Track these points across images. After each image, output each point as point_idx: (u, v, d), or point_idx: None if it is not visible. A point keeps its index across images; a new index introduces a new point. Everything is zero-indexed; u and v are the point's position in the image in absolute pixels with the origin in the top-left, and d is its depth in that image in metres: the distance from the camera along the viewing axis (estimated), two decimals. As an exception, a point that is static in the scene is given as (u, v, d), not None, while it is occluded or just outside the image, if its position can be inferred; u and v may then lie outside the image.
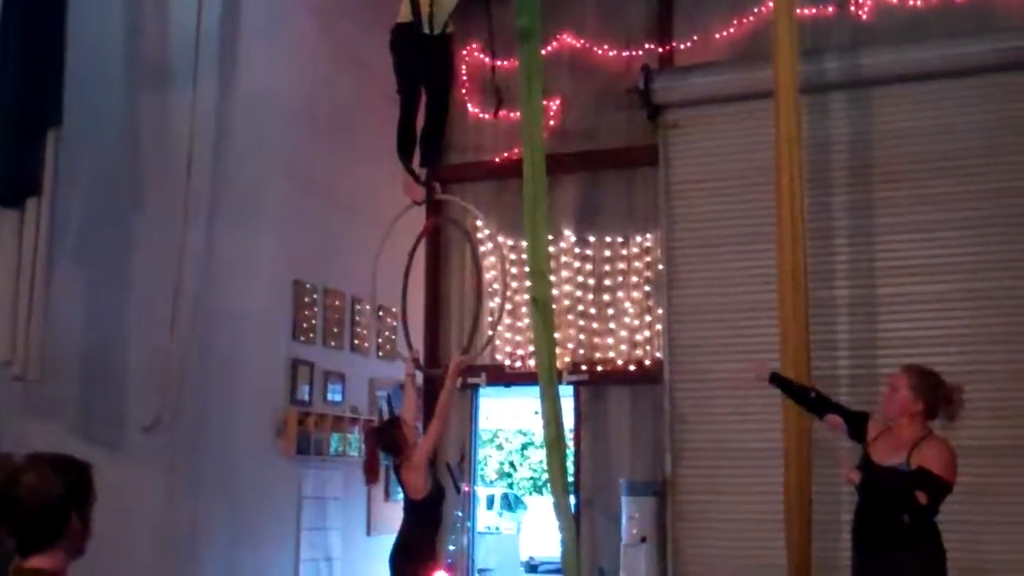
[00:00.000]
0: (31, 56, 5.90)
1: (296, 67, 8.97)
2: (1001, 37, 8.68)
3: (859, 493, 5.44)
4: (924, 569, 5.21)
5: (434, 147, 7.70)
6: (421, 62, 7.35)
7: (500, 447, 27.99)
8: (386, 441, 6.99)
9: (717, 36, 9.87)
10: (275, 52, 8.68)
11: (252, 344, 8.21)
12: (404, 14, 7.26)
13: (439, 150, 7.84)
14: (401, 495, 7.13)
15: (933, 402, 5.35)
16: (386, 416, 7.81)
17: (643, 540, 9.02)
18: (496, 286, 10.36)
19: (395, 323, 8.71)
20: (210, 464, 7.67)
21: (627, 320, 9.87)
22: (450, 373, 7.37)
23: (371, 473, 7.11)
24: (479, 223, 9.70)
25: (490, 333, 8.90)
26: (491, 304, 10.39)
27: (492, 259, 10.41)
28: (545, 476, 8.10)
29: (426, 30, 7.21)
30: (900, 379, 5.45)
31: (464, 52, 10.59)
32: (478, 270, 9.09)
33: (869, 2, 9.39)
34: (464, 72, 10.65)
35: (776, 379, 6.31)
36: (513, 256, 10.29)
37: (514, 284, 10.29)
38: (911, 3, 9.24)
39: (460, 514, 10.11)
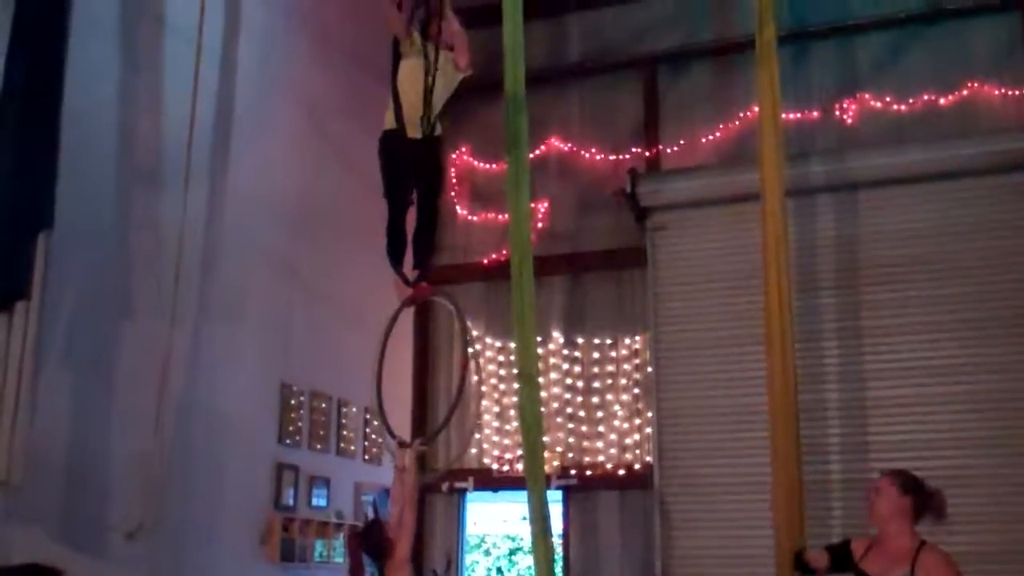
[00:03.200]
0: (24, 159, 5.90)
1: (288, 168, 9.01)
2: (984, 141, 8.80)
3: None
4: None
5: (426, 249, 7.69)
6: (408, 166, 7.38)
7: (487, 552, 27.61)
8: (371, 545, 6.89)
9: (703, 140, 10.01)
10: (267, 153, 8.72)
11: (237, 448, 8.10)
12: (389, 121, 7.32)
13: (432, 251, 7.83)
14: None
15: (919, 500, 5.33)
16: (370, 519, 7.69)
17: (634, 649, 8.86)
18: (484, 388, 10.31)
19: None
20: (193, 570, 7.51)
21: (616, 423, 9.81)
22: (409, 462, 7.26)
23: None
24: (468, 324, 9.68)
25: (475, 435, 8.79)
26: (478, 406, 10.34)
27: (479, 361, 10.38)
28: (533, 582, 7.94)
29: (414, 134, 7.26)
30: (883, 481, 5.44)
31: (453, 155, 10.69)
32: (464, 351, 8.90)
33: (854, 106, 9.57)
34: (453, 174, 10.74)
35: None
36: (501, 358, 10.27)
37: (502, 387, 10.25)
38: (895, 107, 9.41)
39: (448, 620, 9.93)
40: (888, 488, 5.37)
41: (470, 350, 8.66)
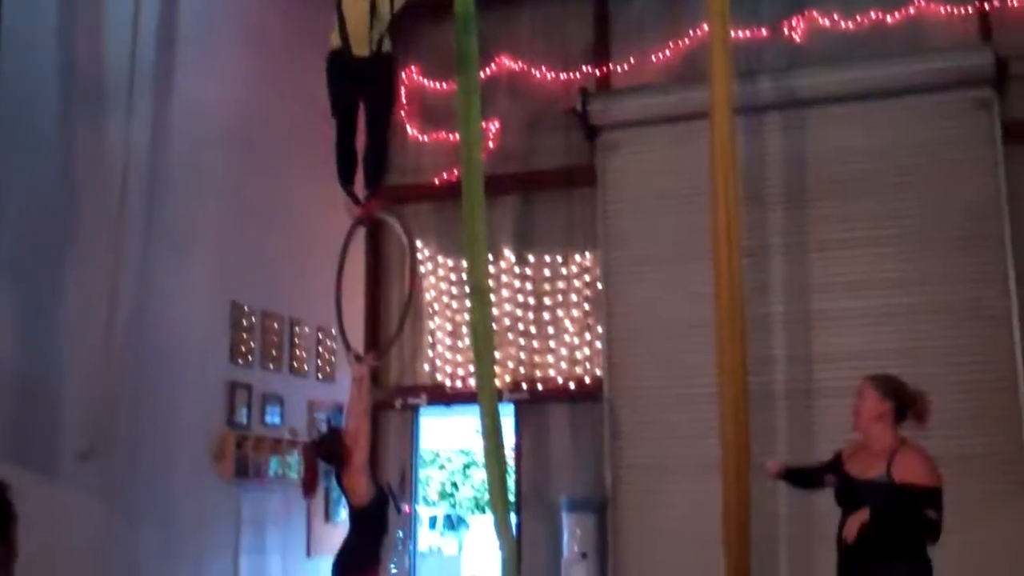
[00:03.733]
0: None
1: (233, 90, 8.91)
2: (930, 58, 8.90)
3: (840, 504, 5.46)
4: (914, 572, 5.27)
5: (376, 169, 7.69)
6: (355, 84, 7.34)
7: (442, 467, 27.95)
8: (327, 451, 7.02)
9: (653, 58, 10.00)
10: (211, 75, 8.61)
11: (189, 367, 8.12)
12: (335, 41, 7.27)
13: (382, 171, 7.82)
14: (343, 515, 7.09)
15: (900, 401, 5.45)
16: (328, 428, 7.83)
17: (584, 556, 9.06)
18: (436, 306, 10.37)
19: (335, 345, 8.65)
20: (147, 489, 7.57)
21: (567, 338, 9.92)
22: (364, 373, 7.38)
23: (310, 486, 7.09)
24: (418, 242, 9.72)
25: (428, 352, 8.86)
26: (431, 324, 10.41)
27: (432, 279, 10.44)
28: (487, 495, 8.13)
29: (361, 52, 7.20)
30: (864, 385, 5.54)
31: (403, 74, 10.60)
32: (412, 267, 8.92)
33: (802, 24, 9.59)
34: (403, 94, 10.67)
35: (789, 473, 6.06)
36: (453, 276, 10.31)
37: (454, 304, 10.31)
38: (843, 25, 9.44)
39: (401, 535, 10.08)
40: (870, 392, 5.48)
41: (419, 268, 8.73)
